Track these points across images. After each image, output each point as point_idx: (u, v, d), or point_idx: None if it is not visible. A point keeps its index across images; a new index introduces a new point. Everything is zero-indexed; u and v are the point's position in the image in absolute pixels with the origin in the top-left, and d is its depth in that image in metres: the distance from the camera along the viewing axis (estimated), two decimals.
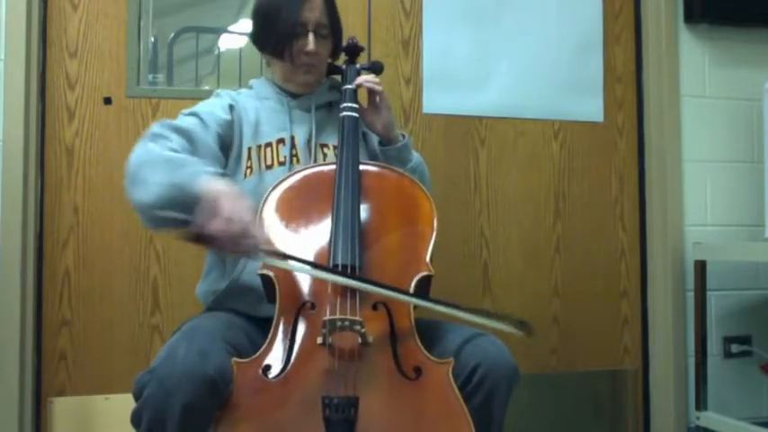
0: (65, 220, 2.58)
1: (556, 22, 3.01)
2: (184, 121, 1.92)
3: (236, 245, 1.53)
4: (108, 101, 2.62)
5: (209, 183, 1.59)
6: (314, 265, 1.67)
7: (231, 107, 2.02)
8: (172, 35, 2.75)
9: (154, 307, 2.64)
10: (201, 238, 1.52)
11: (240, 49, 2.83)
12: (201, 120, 1.93)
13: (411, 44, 2.90)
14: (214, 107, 2.00)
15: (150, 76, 2.69)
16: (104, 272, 2.60)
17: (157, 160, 1.68)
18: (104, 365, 2.58)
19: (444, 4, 2.91)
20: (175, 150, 1.75)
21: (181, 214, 1.56)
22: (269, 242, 1.68)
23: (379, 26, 2.87)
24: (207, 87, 2.76)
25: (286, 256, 1.66)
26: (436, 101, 2.90)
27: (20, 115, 2.49)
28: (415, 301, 1.66)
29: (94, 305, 2.59)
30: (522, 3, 2.98)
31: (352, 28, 2.79)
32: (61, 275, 2.57)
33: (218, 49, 2.83)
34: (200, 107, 1.99)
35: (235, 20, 2.80)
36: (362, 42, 2.75)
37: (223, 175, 1.68)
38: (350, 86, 2.06)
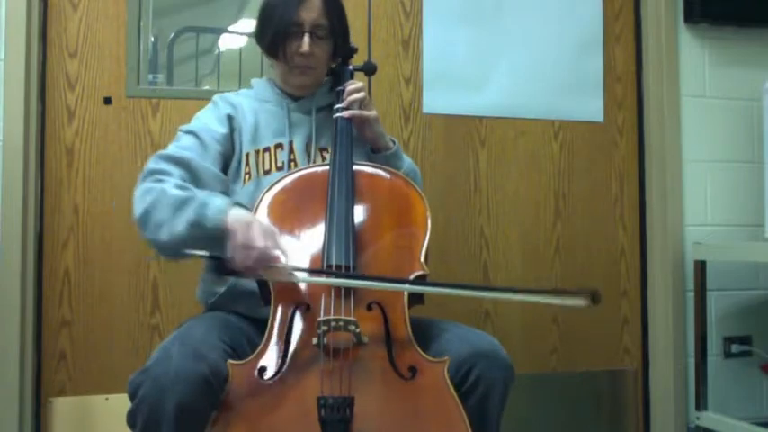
0: (65, 220, 2.59)
1: (556, 22, 3.01)
2: (182, 144, 1.93)
3: (259, 269, 1.59)
4: (108, 101, 2.63)
5: (225, 214, 1.64)
6: (321, 272, 1.69)
7: (229, 117, 2.01)
8: (172, 35, 2.75)
9: (154, 307, 2.64)
10: (232, 272, 1.62)
11: (240, 49, 2.83)
12: (200, 139, 1.94)
13: (411, 44, 2.90)
14: (210, 121, 2.00)
15: (150, 76, 2.69)
16: (104, 272, 2.60)
17: (168, 200, 1.71)
18: (104, 365, 2.59)
19: (444, 4, 2.91)
20: (180, 186, 1.77)
21: (204, 250, 1.65)
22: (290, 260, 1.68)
23: (379, 26, 2.87)
24: (207, 87, 2.76)
25: (313, 272, 1.69)
26: (436, 101, 2.90)
27: (20, 115, 2.49)
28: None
29: (94, 305, 2.60)
30: (522, 3, 2.98)
31: (352, 28, 2.76)
32: (61, 275, 2.58)
33: (218, 49, 2.84)
34: (198, 123, 2.00)
35: (235, 20, 2.80)
36: (362, 42, 2.78)
37: (236, 203, 1.73)
38: (341, 104, 2.02)
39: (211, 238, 1.62)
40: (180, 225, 1.66)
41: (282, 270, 1.60)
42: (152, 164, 1.85)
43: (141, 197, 1.76)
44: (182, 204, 1.69)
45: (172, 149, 1.91)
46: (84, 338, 2.58)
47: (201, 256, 1.67)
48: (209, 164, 1.90)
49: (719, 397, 2.96)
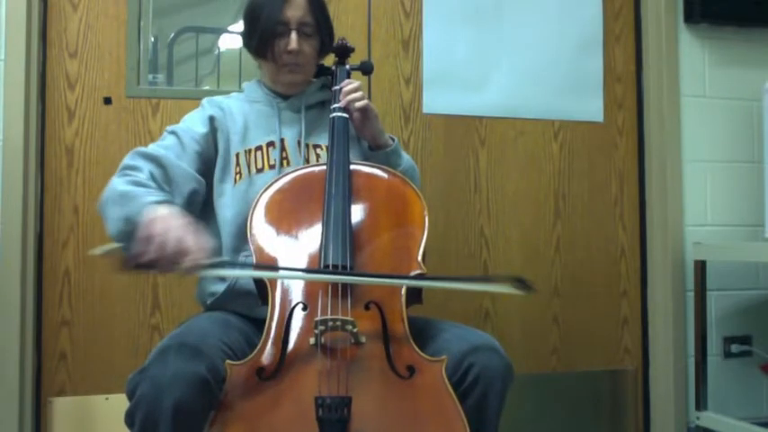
0: (65, 220, 2.59)
1: (556, 22, 3.00)
2: (163, 143, 1.96)
3: (175, 264, 1.49)
4: (108, 101, 2.63)
5: (150, 211, 1.61)
6: (274, 268, 1.70)
7: (211, 118, 2.03)
8: (172, 35, 2.76)
9: (154, 307, 2.64)
10: (141, 266, 1.51)
11: (240, 49, 2.82)
12: (179, 139, 1.96)
13: (411, 44, 2.89)
14: (193, 122, 2.02)
15: (150, 76, 2.69)
16: (104, 272, 2.59)
17: (114, 196, 1.75)
18: (104, 365, 2.59)
19: (444, 4, 2.91)
20: (139, 182, 1.78)
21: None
22: (212, 254, 1.58)
23: (379, 26, 2.87)
24: (207, 87, 2.77)
25: (235, 265, 1.73)
26: (436, 101, 2.90)
27: (20, 115, 2.49)
28: (406, 282, 1.68)
29: (94, 305, 2.60)
30: (522, 3, 2.98)
31: (352, 28, 2.81)
32: (61, 275, 2.58)
33: (218, 49, 2.84)
34: (181, 124, 2.03)
35: (235, 20, 2.80)
36: (362, 42, 2.78)
37: (167, 202, 1.70)
38: (338, 104, 2.02)
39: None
40: (117, 219, 1.69)
41: (193, 265, 1.50)
42: (127, 159, 1.88)
43: (104, 191, 1.79)
44: (122, 200, 1.71)
45: (150, 147, 1.94)
46: (84, 338, 2.59)
47: (109, 252, 1.58)
48: (184, 162, 1.92)
49: (719, 397, 2.96)
